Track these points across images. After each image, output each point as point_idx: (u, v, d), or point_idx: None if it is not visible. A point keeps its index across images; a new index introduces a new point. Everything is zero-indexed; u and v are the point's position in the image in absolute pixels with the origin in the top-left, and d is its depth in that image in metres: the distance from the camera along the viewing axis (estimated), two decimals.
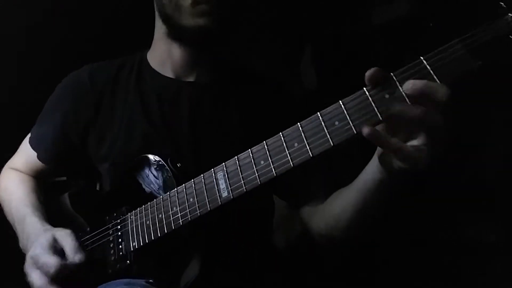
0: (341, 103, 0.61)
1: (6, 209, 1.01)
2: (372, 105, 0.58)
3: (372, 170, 0.68)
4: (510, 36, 0.54)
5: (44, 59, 1.44)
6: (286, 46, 1.85)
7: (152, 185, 0.86)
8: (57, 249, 0.80)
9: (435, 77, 0.55)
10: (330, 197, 0.86)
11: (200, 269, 0.80)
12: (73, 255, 0.78)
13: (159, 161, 0.85)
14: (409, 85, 0.55)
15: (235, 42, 1.01)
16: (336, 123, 0.61)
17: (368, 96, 0.58)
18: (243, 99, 0.98)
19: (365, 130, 0.56)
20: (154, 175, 0.86)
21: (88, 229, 0.92)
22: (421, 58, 0.56)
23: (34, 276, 0.79)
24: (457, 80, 0.55)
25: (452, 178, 1.40)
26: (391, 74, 0.58)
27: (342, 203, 0.80)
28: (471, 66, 0.54)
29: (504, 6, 0.54)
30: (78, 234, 0.89)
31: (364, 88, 0.59)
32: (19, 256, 0.87)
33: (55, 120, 0.99)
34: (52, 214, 0.95)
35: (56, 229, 0.85)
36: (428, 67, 0.56)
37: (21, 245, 0.92)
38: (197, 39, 0.89)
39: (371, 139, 0.57)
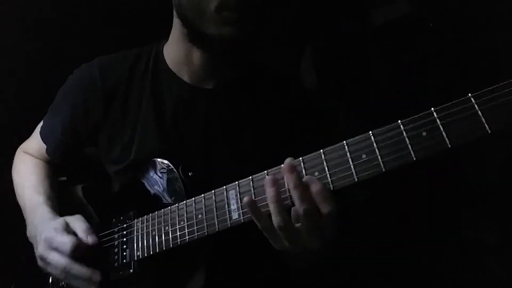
0: (371, 134, 0.55)
1: (19, 193, 1.00)
2: (406, 141, 0.53)
3: None
4: None
5: (52, 49, 1.43)
6: (286, 46, 1.85)
7: (156, 186, 0.85)
8: (70, 232, 0.81)
9: (482, 119, 0.48)
10: None
11: (205, 281, 0.80)
12: (86, 236, 0.80)
13: (167, 165, 0.83)
14: (312, 184, 0.59)
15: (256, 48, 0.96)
16: (364, 156, 0.55)
17: (403, 131, 0.53)
18: (260, 107, 0.93)
19: (246, 201, 0.61)
20: (158, 176, 0.85)
21: (98, 221, 0.92)
22: (469, 95, 0.49)
23: (54, 257, 0.80)
24: (507, 127, 0.47)
25: (452, 178, 1.40)
26: (432, 109, 0.52)
27: None
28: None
29: None
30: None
31: (399, 121, 0.54)
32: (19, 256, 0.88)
33: (65, 116, 0.97)
34: (63, 204, 0.95)
35: (66, 216, 0.86)
36: (476, 107, 0.49)
37: (28, 233, 0.92)
38: (220, 49, 0.81)
39: (253, 215, 0.62)
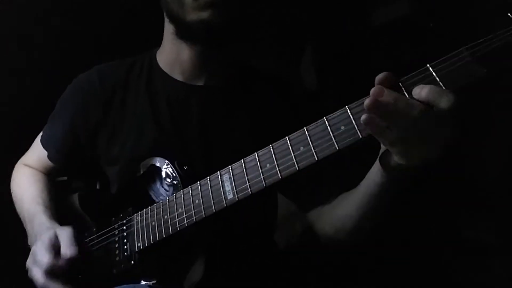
0: (347, 108, 0.62)
1: (18, 205, 1.03)
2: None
3: (373, 173, 0.71)
4: None
5: (50, 59, 1.45)
6: (286, 46, 1.85)
7: (161, 197, 0.87)
8: (56, 246, 0.82)
9: (441, 84, 0.56)
10: (336, 200, 0.87)
11: (204, 271, 0.81)
12: (65, 250, 0.81)
13: (173, 175, 0.85)
14: (417, 90, 0.56)
15: (243, 41, 1.00)
16: (342, 127, 0.62)
17: None
18: (252, 102, 0.97)
19: (362, 118, 0.57)
20: (165, 189, 0.87)
21: (95, 229, 0.93)
22: (428, 65, 0.58)
23: (34, 272, 0.82)
24: (463, 88, 0.56)
25: (452, 178, 1.40)
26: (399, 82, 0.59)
27: (347, 207, 0.82)
28: (478, 74, 0.55)
29: None
30: (84, 234, 0.92)
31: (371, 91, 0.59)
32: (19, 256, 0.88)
33: (65, 121, 1.00)
34: (61, 212, 0.97)
35: (60, 227, 0.87)
36: (434, 74, 0.57)
37: (29, 243, 0.93)
38: (203, 35, 0.85)
39: (367, 123, 0.58)
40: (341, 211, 0.84)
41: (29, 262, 0.84)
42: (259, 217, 0.98)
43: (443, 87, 0.56)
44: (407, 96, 0.57)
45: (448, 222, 1.42)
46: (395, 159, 0.61)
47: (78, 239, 0.84)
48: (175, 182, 0.85)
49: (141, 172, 0.90)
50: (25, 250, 0.89)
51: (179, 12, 0.85)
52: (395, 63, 1.59)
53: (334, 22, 1.77)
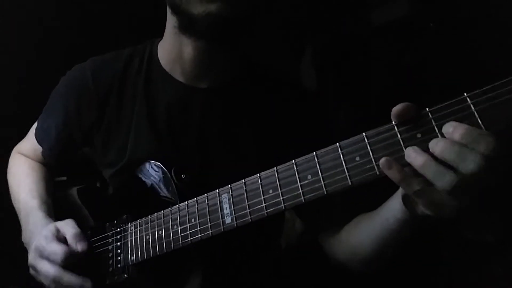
0: (364, 136, 0.53)
1: (14, 196, 0.99)
2: (400, 143, 0.51)
3: (394, 207, 0.62)
4: None
5: (49, 48, 1.44)
6: (286, 46, 1.85)
7: (152, 178, 0.84)
8: (60, 239, 0.80)
9: (479, 120, 0.46)
10: (349, 224, 0.81)
11: (201, 284, 0.78)
12: (75, 243, 0.79)
13: (160, 167, 0.83)
14: (450, 128, 0.47)
15: (250, 37, 0.89)
16: (357, 158, 0.53)
17: (397, 132, 0.51)
18: (257, 107, 0.90)
19: (382, 161, 0.50)
20: (154, 170, 0.84)
21: (89, 232, 0.92)
22: (465, 94, 0.48)
23: (44, 266, 0.78)
24: (508, 127, 0.45)
25: None
26: (427, 109, 0.50)
27: (361, 236, 0.76)
28: None
29: None
30: (87, 232, 0.89)
31: (393, 122, 0.51)
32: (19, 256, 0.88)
33: (58, 118, 0.96)
34: (58, 206, 0.95)
35: (58, 221, 0.85)
36: (472, 107, 0.47)
37: (23, 238, 0.91)
38: (209, 29, 0.76)
39: (388, 173, 0.50)
40: (354, 239, 0.78)
41: (33, 259, 0.80)
42: (261, 231, 0.91)
43: (482, 125, 0.46)
44: (437, 130, 0.48)
45: (448, 222, 1.41)
46: (422, 209, 0.54)
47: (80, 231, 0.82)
48: (163, 170, 0.82)
49: (136, 177, 0.88)
50: (25, 250, 0.89)
51: (183, 3, 0.76)
52: (395, 63, 1.59)
53: (335, 22, 1.77)
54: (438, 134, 0.48)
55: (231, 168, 0.71)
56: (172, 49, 0.87)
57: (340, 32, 1.77)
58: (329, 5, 1.74)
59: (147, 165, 0.85)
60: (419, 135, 0.50)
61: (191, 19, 0.76)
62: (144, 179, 0.86)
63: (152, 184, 0.85)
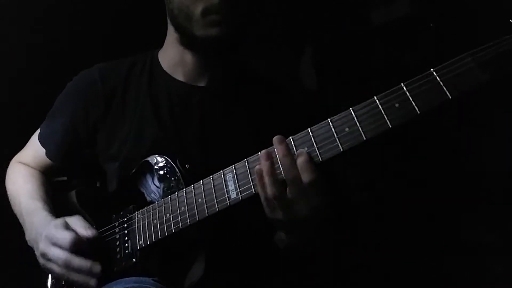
0: (351, 110, 0.62)
1: (14, 201, 1.01)
2: (381, 113, 0.60)
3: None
4: None
5: (50, 57, 1.45)
6: (287, 46, 1.85)
7: (153, 194, 0.87)
8: (69, 229, 0.83)
9: (444, 88, 0.57)
10: None
11: (205, 270, 0.81)
12: (85, 230, 0.83)
13: (164, 167, 0.85)
14: (299, 154, 0.66)
15: (244, 45, 1.01)
16: (346, 129, 0.62)
17: (378, 104, 0.61)
18: (252, 103, 0.99)
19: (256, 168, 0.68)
20: (156, 186, 0.87)
21: (94, 226, 0.93)
22: (432, 69, 0.58)
23: (54, 252, 0.81)
24: (466, 93, 0.56)
25: (452, 178, 1.40)
26: (401, 84, 0.60)
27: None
28: (481, 80, 0.56)
29: None
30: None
31: (375, 97, 0.61)
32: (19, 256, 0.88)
33: (65, 118, 0.99)
34: (58, 210, 0.96)
35: (66, 217, 0.88)
36: (438, 78, 0.57)
37: (27, 237, 0.92)
38: (210, 49, 0.89)
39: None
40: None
41: (44, 246, 0.83)
42: (261, 215, 0.98)
43: (447, 92, 0.57)
44: (411, 99, 0.59)
45: (448, 223, 1.42)
46: (270, 215, 0.71)
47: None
48: (167, 176, 0.85)
49: (136, 169, 0.90)
50: (24, 249, 0.89)
51: (186, 25, 0.87)
52: (395, 63, 1.59)
53: (335, 22, 1.77)
54: (412, 102, 0.59)
55: (231, 156, 0.75)
56: (174, 56, 0.98)
57: (340, 32, 1.77)
58: (329, 4, 1.74)
59: (149, 180, 0.89)
60: (396, 105, 0.60)
61: (193, 39, 0.88)
62: (146, 196, 0.89)
63: (151, 200, 0.88)
